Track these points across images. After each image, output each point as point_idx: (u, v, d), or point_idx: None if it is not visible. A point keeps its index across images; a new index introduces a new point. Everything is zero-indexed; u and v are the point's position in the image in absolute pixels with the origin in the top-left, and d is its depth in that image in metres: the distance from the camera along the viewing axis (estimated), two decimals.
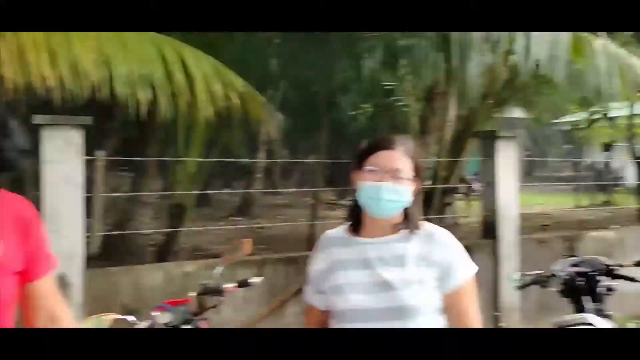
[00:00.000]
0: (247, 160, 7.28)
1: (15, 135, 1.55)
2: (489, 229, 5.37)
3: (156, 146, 6.72)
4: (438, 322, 1.81)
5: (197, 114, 4.25)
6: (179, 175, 5.64)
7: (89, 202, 4.06)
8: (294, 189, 17.30)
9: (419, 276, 1.79)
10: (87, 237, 3.97)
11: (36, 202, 3.97)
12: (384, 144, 1.85)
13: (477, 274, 1.88)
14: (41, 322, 1.61)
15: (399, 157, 1.82)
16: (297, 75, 6.64)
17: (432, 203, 6.17)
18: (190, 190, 5.54)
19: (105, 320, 2.33)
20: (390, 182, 1.79)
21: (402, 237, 1.86)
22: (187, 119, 4.94)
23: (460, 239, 1.93)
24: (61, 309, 1.65)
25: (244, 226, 10.39)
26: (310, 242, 6.81)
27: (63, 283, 3.59)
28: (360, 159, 1.87)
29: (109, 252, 7.12)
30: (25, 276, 1.57)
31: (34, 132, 3.51)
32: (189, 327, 2.46)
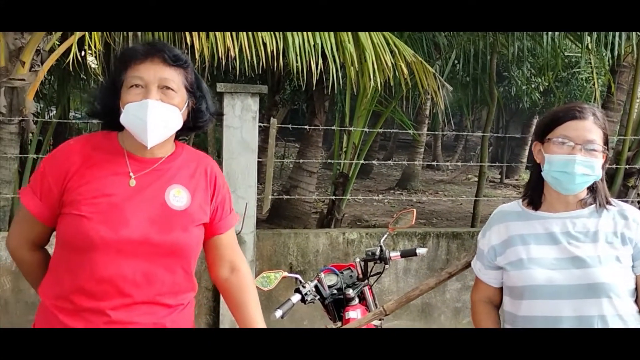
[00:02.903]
0: (412, 131, 7.18)
1: (208, 98, 1.69)
2: None
3: (322, 117, 6.90)
4: (631, 306, 1.66)
5: (366, 84, 4.26)
6: (344, 146, 5.74)
7: (260, 167, 4.29)
8: (459, 164, 16.84)
9: (615, 253, 1.65)
10: (258, 200, 4.20)
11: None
12: (575, 113, 1.69)
13: None
14: (224, 271, 1.78)
15: (591, 128, 1.67)
16: (468, 45, 6.38)
17: (614, 184, 5.64)
18: (355, 161, 5.62)
19: (276, 277, 2.45)
20: (584, 155, 1.65)
21: (592, 212, 1.72)
22: (355, 90, 4.97)
23: None
24: (241, 260, 1.81)
25: (405, 199, 10.39)
26: (473, 219, 6.60)
27: (238, 241, 3.86)
28: (547, 129, 1.73)
29: (274, 215, 7.54)
30: (212, 230, 1.70)
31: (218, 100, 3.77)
32: (352, 290, 2.50)
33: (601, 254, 1.65)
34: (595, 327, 1.62)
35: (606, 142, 1.71)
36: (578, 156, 1.65)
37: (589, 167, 1.65)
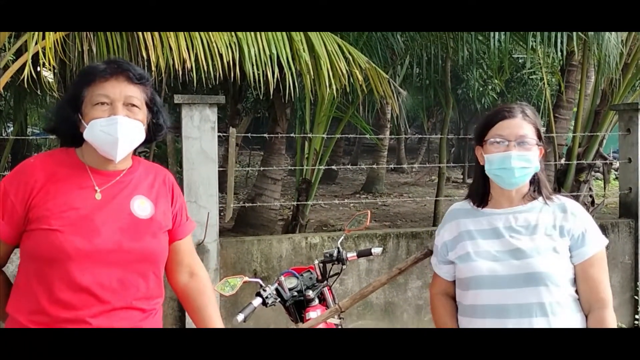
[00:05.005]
0: (373, 136, 7.32)
1: (163, 112, 1.77)
2: (627, 208, 5.00)
3: (284, 124, 6.98)
4: (569, 293, 1.78)
5: (323, 92, 4.36)
6: (306, 152, 5.83)
7: (222, 176, 4.34)
8: (416, 166, 17.11)
9: (552, 245, 1.78)
10: (221, 209, 4.24)
11: (177, 176, 4.32)
12: (504, 114, 1.84)
13: (615, 254, 1.84)
14: (183, 276, 1.84)
15: (521, 124, 1.81)
16: (421, 50, 6.55)
17: (567, 180, 5.87)
18: (317, 167, 5.71)
19: (237, 281, 2.51)
20: (518, 150, 1.78)
21: (533, 206, 1.86)
22: (313, 97, 5.07)
23: (596, 218, 1.88)
24: (199, 265, 1.87)
25: (370, 202, 10.53)
26: (434, 219, 6.76)
27: (201, 250, 3.91)
28: (482, 132, 1.87)
29: (240, 224, 7.58)
30: (172, 236, 1.77)
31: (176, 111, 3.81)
32: (312, 292, 2.57)
33: (539, 245, 1.77)
34: (534, 313, 1.74)
35: (539, 136, 1.85)
36: (513, 152, 1.78)
37: (525, 160, 1.79)
